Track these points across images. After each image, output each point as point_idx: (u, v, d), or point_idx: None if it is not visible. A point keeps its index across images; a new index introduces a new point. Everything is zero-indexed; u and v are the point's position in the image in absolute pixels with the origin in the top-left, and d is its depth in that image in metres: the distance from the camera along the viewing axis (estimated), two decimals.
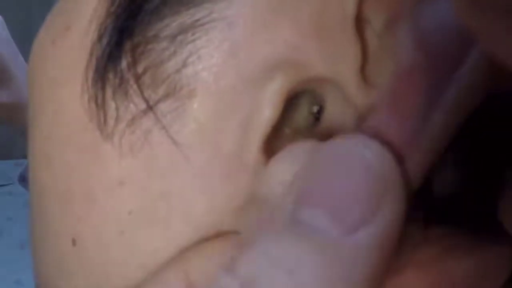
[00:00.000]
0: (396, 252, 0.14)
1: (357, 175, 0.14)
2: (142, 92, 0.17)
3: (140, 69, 0.17)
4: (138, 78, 0.17)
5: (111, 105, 0.18)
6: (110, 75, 0.18)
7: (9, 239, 1.31)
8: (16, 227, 1.32)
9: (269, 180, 0.16)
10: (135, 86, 0.17)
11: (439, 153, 0.15)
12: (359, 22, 0.16)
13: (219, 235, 0.17)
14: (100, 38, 0.18)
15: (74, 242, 0.19)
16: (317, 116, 0.17)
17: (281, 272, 0.13)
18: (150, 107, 0.17)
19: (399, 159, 0.14)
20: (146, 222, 0.17)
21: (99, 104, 0.18)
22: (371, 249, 0.14)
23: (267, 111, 0.16)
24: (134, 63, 0.17)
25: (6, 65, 0.71)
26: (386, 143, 0.14)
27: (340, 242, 0.13)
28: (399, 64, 0.15)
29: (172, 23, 0.17)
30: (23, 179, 0.77)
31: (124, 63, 0.17)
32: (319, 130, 0.17)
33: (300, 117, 0.17)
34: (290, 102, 0.17)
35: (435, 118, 0.15)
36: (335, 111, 0.17)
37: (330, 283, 0.13)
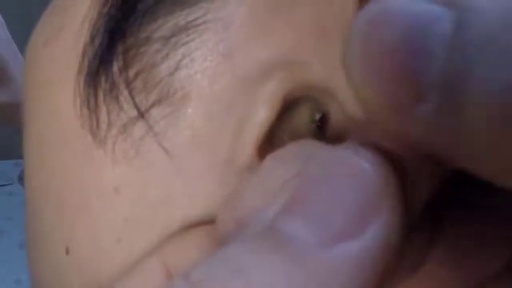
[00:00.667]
0: (391, 271, 0.13)
1: (346, 184, 0.13)
2: (133, 99, 0.17)
3: (131, 73, 0.17)
4: (129, 83, 0.17)
5: (103, 110, 0.17)
6: (102, 79, 0.17)
7: (9, 239, 1.31)
8: (16, 227, 1.32)
9: (258, 176, 0.15)
10: (126, 92, 0.17)
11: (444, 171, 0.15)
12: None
13: (198, 225, 0.16)
14: (92, 39, 0.17)
15: (67, 249, 0.18)
16: (319, 124, 0.16)
17: (238, 281, 0.12)
18: (141, 115, 0.17)
19: (400, 170, 0.13)
20: (143, 228, 0.17)
21: (91, 109, 0.17)
22: (351, 267, 0.12)
23: (262, 113, 0.16)
24: (125, 67, 0.17)
25: (6, 65, 0.71)
26: (384, 153, 0.13)
27: (314, 255, 0.12)
28: None
29: (165, 24, 0.16)
30: (23, 179, 0.76)
31: (115, 67, 0.17)
32: (321, 139, 0.16)
33: (300, 124, 0.17)
34: (289, 108, 0.16)
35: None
36: (338, 120, 0.16)
37: None
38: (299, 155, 0.14)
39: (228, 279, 0.12)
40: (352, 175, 0.13)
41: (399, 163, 0.13)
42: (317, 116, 0.16)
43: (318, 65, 0.16)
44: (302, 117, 0.17)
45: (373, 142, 0.14)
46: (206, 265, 0.13)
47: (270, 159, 0.15)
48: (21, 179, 0.74)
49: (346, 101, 0.16)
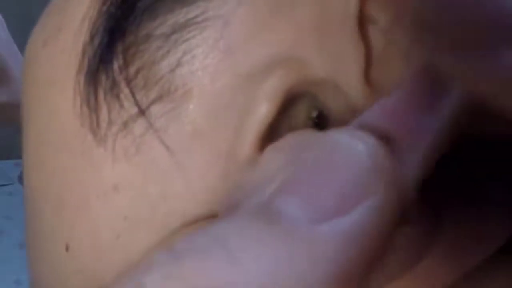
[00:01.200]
0: (381, 256, 0.13)
1: (339, 164, 0.13)
2: (134, 96, 0.17)
3: (132, 71, 0.17)
4: (129, 81, 0.17)
5: (104, 108, 0.17)
6: (102, 78, 0.17)
7: (9, 239, 1.31)
8: (16, 227, 1.32)
9: (257, 168, 0.15)
10: (126, 90, 0.17)
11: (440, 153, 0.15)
12: (363, 22, 0.16)
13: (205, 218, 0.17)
14: (92, 38, 0.17)
15: (67, 248, 0.18)
16: (316, 122, 0.16)
17: (220, 251, 0.12)
18: (142, 112, 0.17)
19: (396, 155, 0.13)
20: (143, 226, 0.17)
21: (92, 107, 0.17)
22: (339, 244, 0.12)
23: (263, 108, 0.16)
24: (125, 65, 0.17)
25: (6, 65, 0.71)
26: (381, 138, 0.13)
27: (303, 230, 0.12)
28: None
29: (165, 22, 0.16)
30: (23, 178, 0.76)
31: (115, 65, 0.17)
32: None
33: (298, 121, 0.17)
34: (289, 105, 0.16)
35: (438, 118, 0.14)
36: (337, 117, 0.16)
37: (277, 277, 0.12)
38: (296, 144, 0.14)
39: (211, 250, 0.12)
40: (345, 156, 0.13)
41: (394, 146, 0.13)
42: (314, 114, 0.17)
43: (319, 60, 0.16)
44: (300, 114, 0.17)
45: (370, 125, 0.14)
46: (190, 237, 0.13)
47: (269, 150, 0.15)
48: (21, 178, 0.74)
49: (351, 91, 0.16)
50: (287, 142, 0.15)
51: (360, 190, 0.13)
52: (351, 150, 0.13)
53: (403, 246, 0.14)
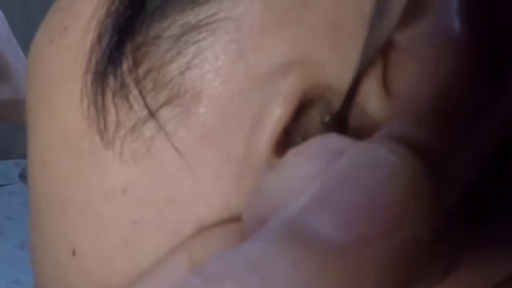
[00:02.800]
0: (422, 272, 0.13)
1: (377, 182, 0.12)
2: (143, 98, 0.16)
3: (141, 72, 0.16)
4: (139, 82, 0.16)
5: (112, 110, 0.17)
6: (110, 78, 0.17)
7: (9, 239, 1.31)
8: (16, 227, 1.32)
9: (281, 173, 0.15)
10: (135, 91, 0.17)
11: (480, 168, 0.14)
12: None
13: (226, 221, 0.16)
14: (100, 38, 0.17)
15: (74, 252, 0.18)
16: (329, 126, 0.16)
17: (253, 276, 0.12)
18: (152, 115, 0.16)
19: (431, 168, 0.13)
20: (152, 231, 0.17)
21: (99, 109, 0.17)
22: (378, 270, 0.12)
23: (277, 110, 0.16)
24: (135, 66, 0.16)
25: (6, 62, 0.70)
26: (414, 150, 0.13)
27: (340, 255, 0.12)
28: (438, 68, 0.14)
29: (175, 23, 0.16)
30: (24, 176, 0.77)
31: (124, 66, 0.17)
32: None
33: (311, 125, 0.16)
34: (303, 108, 0.16)
35: (483, 125, 0.14)
36: (351, 122, 0.16)
37: None
38: (324, 151, 0.14)
39: (243, 274, 0.12)
40: (385, 175, 0.12)
41: (430, 160, 0.13)
42: (327, 118, 0.16)
43: (333, 63, 0.16)
44: (314, 118, 0.16)
45: (401, 138, 0.13)
46: (221, 260, 0.12)
47: (293, 155, 0.15)
48: (22, 176, 0.74)
49: (365, 101, 0.15)
50: (313, 147, 0.14)
51: (399, 210, 0.12)
52: (391, 169, 0.12)
53: (437, 254, 0.14)
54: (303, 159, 0.14)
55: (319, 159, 0.14)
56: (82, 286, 0.18)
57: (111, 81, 0.17)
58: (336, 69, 0.16)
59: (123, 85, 0.17)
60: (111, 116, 0.17)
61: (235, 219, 0.16)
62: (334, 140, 0.14)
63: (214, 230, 0.16)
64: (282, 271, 0.12)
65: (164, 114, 0.16)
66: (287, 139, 0.16)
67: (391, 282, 0.12)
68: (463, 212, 0.15)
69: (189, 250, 0.15)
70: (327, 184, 0.13)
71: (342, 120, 0.16)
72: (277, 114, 0.16)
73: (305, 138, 0.16)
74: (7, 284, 1.20)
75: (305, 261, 0.12)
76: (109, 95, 0.17)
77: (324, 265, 0.12)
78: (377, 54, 0.15)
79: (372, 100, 0.15)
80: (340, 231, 0.12)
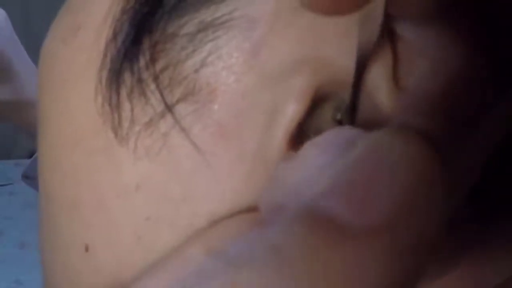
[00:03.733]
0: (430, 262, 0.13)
1: (395, 169, 0.13)
2: (161, 93, 0.17)
3: (158, 68, 0.17)
4: (156, 77, 0.17)
5: (126, 106, 0.17)
6: (126, 75, 0.17)
7: (9, 239, 1.30)
8: (16, 227, 1.31)
9: (296, 164, 0.15)
10: (153, 86, 0.17)
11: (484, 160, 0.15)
12: (388, 19, 0.16)
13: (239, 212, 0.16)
14: (115, 36, 0.17)
15: (87, 248, 0.18)
16: (341, 123, 0.16)
17: (273, 259, 0.12)
18: (169, 109, 0.17)
19: (444, 159, 0.13)
20: (166, 227, 0.17)
21: (113, 106, 0.17)
22: (394, 255, 0.12)
23: (292, 106, 0.16)
24: (152, 62, 0.17)
25: (9, 62, 0.70)
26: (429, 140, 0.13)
27: (357, 239, 0.12)
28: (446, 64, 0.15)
29: (191, 21, 0.16)
30: (27, 177, 0.76)
31: (142, 62, 0.17)
32: None
33: (324, 123, 0.17)
34: (316, 106, 0.16)
35: (484, 125, 0.14)
36: (362, 117, 0.16)
37: (330, 283, 0.12)
38: (339, 142, 0.14)
39: (264, 257, 0.12)
40: (399, 159, 0.13)
41: (442, 151, 0.13)
42: (338, 116, 0.16)
43: (345, 59, 0.16)
44: (326, 115, 0.17)
45: (414, 128, 0.14)
46: (242, 243, 0.13)
47: (309, 146, 0.15)
48: (25, 177, 0.73)
49: (375, 94, 0.16)
50: (328, 139, 0.15)
51: (413, 197, 0.12)
52: (403, 152, 0.13)
53: (442, 248, 0.14)
54: (318, 149, 0.15)
55: (333, 149, 0.14)
56: (94, 283, 0.18)
57: (127, 77, 0.17)
58: (348, 65, 0.16)
59: (140, 81, 0.17)
60: (126, 113, 0.17)
61: (247, 210, 0.16)
62: (348, 132, 0.15)
63: (231, 220, 0.16)
64: (302, 254, 0.12)
65: (180, 110, 0.17)
66: (300, 136, 0.16)
67: (404, 268, 0.12)
68: (465, 210, 0.15)
69: (206, 240, 0.16)
70: (343, 170, 0.13)
71: (353, 117, 0.16)
72: (291, 111, 0.16)
73: (317, 134, 0.16)
74: (7, 284, 1.20)
75: (324, 245, 0.12)
76: (124, 92, 0.17)
77: (340, 248, 0.12)
78: (376, 46, 0.15)
79: (382, 93, 0.16)
80: (357, 216, 0.12)
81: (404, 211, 0.12)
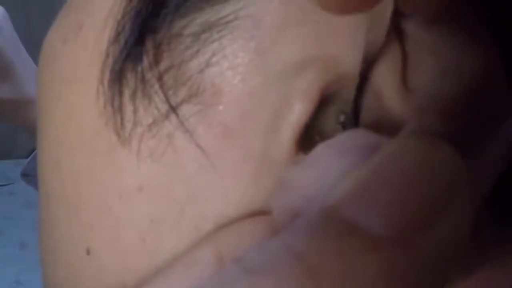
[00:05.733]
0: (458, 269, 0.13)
1: (419, 175, 0.12)
2: (165, 94, 0.16)
3: (162, 68, 0.17)
4: (160, 78, 0.16)
5: (129, 107, 0.17)
6: (128, 76, 0.17)
7: (9, 239, 1.30)
8: (16, 227, 1.31)
9: (308, 167, 0.15)
10: (156, 87, 0.17)
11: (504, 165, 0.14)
12: (397, 21, 0.15)
13: (251, 215, 0.16)
14: (117, 36, 0.17)
15: (88, 251, 0.18)
16: (344, 126, 0.16)
17: (297, 265, 0.12)
18: (173, 109, 0.16)
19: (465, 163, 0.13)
20: (171, 229, 0.17)
21: (116, 107, 0.17)
22: (420, 263, 0.12)
23: (299, 106, 0.16)
24: (156, 63, 0.17)
25: (9, 60, 0.70)
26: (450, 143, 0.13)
27: (384, 248, 0.12)
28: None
29: (195, 21, 0.16)
30: (26, 175, 0.76)
31: (145, 62, 0.17)
32: None
33: (328, 125, 0.16)
34: (321, 107, 0.16)
35: (502, 126, 0.14)
36: (368, 120, 0.16)
37: None
38: (355, 146, 0.14)
39: (288, 264, 0.12)
40: (423, 165, 0.12)
41: (463, 153, 0.13)
42: (342, 118, 0.16)
43: (352, 59, 0.16)
44: (330, 117, 0.16)
45: (434, 132, 0.13)
46: (260, 249, 0.12)
47: (322, 148, 0.15)
48: (24, 175, 0.73)
49: (386, 93, 0.16)
50: (343, 142, 0.14)
51: (441, 203, 0.12)
52: (429, 158, 0.13)
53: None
54: (333, 153, 0.14)
55: (350, 154, 0.14)
56: (96, 285, 0.18)
57: (129, 78, 0.17)
58: (356, 64, 0.16)
59: (143, 81, 0.17)
60: (128, 114, 0.17)
61: (256, 214, 0.16)
62: (364, 136, 0.14)
63: (240, 224, 0.16)
64: (328, 263, 0.12)
65: (184, 111, 0.16)
66: (305, 137, 0.16)
67: (431, 278, 0.12)
68: (483, 215, 0.15)
69: (215, 244, 0.15)
70: (368, 177, 0.13)
71: (357, 118, 0.16)
72: (299, 111, 0.16)
73: (321, 136, 0.16)
74: (7, 284, 1.20)
75: (351, 254, 0.12)
76: (126, 93, 0.17)
77: (369, 257, 0.12)
78: (384, 47, 0.15)
79: (390, 94, 0.16)
80: (384, 225, 0.12)
81: (433, 220, 0.12)
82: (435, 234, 0.12)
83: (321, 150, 0.15)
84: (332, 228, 0.12)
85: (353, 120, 0.16)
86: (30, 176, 0.72)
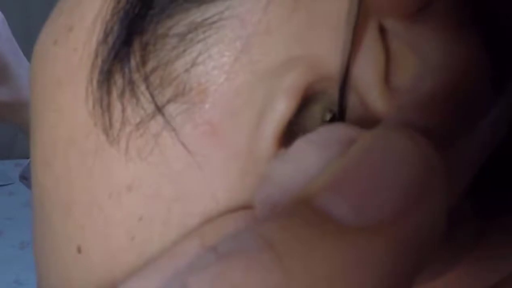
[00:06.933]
0: (430, 262, 0.13)
1: (393, 166, 0.12)
2: (151, 94, 0.17)
3: (148, 69, 0.17)
4: (146, 78, 0.17)
5: (117, 107, 0.17)
6: (117, 76, 0.17)
7: (9, 239, 1.31)
8: (16, 227, 1.32)
9: (288, 160, 0.15)
10: (143, 87, 0.17)
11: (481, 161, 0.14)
12: (380, 20, 0.16)
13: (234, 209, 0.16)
14: (106, 37, 0.17)
15: (79, 249, 0.18)
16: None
17: (266, 253, 0.12)
18: (159, 109, 0.17)
19: (443, 156, 0.13)
20: (159, 227, 0.17)
21: (104, 107, 0.17)
22: (390, 253, 0.12)
23: (282, 104, 0.16)
24: (143, 63, 0.17)
25: (7, 63, 0.70)
26: (426, 135, 0.13)
27: (355, 236, 0.12)
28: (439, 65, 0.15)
29: (182, 21, 0.16)
30: (24, 178, 0.76)
31: (132, 63, 0.17)
32: None
33: (313, 123, 0.17)
34: (306, 105, 0.16)
35: (484, 122, 0.14)
36: (351, 118, 0.16)
37: (327, 280, 0.12)
38: (335, 139, 0.14)
39: (257, 251, 0.12)
40: (397, 156, 0.13)
41: (439, 147, 0.13)
42: (328, 117, 0.16)
43: (336, 59, 0.16)
44: (315, 115, 0.17)
45: (411, 126, 0.13)
46: (234, 238, 0.12)
47: (302, 142, 0.15)
48: (23, 178, 0.74)
49: (369, 91, 0.16)
50: (322, 135, 0.15)
51: (413, 195, 0.12)
52: (403, 150, 0.13)
53: (441, 251, 0.14)
54: (312, 147, 0.14)
55: (329, 147, 0.14)
56: (87, 284, 0.18)
57: (117, 78, 0.17)
58: (338, 61, 0.16)
59: (130, 82, 0.17)
60: (117, 114, 0.17)
61: (241, 208, 0.16)
62: (343, 130, 0.15)
63: (226, 217, 0.16)
64: (297, 250, 0.12)
65: (171, 110, 0.17)
66: (289, 135, 0.16)
67: (402, 267, 0.12)
68: (464, 207, 0.15)
69: (202, 236, 0.16)
70: (342, 168, 0.13)
71: (341, 116, 0.16)
72: (281, 109, 0.16)
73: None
74: (7, 284, 1.20)
75: (320, 242, 0.12)
76: (114, 93, 0.17)
77: (339, 245, 0.12)
78: (355, 44, 0.15)
79: (373, 92, 0.16)
80: (356, 213, 0.12)
81: (404, 209, 0.12)
82: (408, 224, 0.12)
83: (301, 144, 0.15)
84: (303, 216, 0.12)
85: (338, 119, 0.16)
86: (29, 179, 0.73)
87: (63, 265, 0.19)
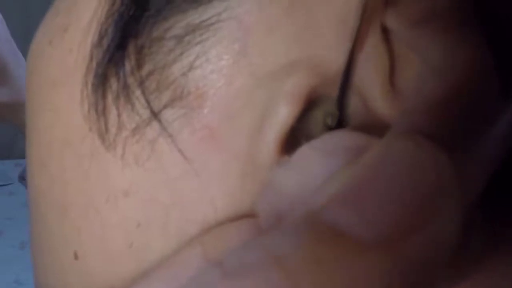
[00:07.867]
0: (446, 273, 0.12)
1: (406, 178, 0.12)
2: (146, 99, 0.16)
3: (144, 73, 0.16)
4: (142, 83, 0.16)
5: (113, 112, 0.17)
6: (112, 80, 0.17)
7: (9, 239, 1.31)
8: (16, 227, 1.32)
9: (292, 169, 0.15)
10: (138, 92, 0.16)
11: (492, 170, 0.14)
12: (384, 21, 0.15)
13: (238, 217, 0.16)
14: (101, 39, 0.17)
15: (76, 256, 0.18)
16: (331, 129, 0.16)
17: (275, 269, 0.11)
18: (155, 115, 0.16)
19: (456, 164, 0.13)
20: (157, 233, 0.17)
21: (100, 112, 0.17)
22: (405, 268, 0.12)
23: (284, 109, 0.15)
24: (138, 67, 0.16)
25: (6, 64, 0.70)
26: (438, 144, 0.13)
27: (368, 252, 0.11)
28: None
29: (178, 23, 0.16)
30: (23, 178, 0.76)
31: (127, 67, 0.16)
32: None
33: (314, 127, 0.16)
34: (308, 110, 0.16)
35: (495, 127, 0.14)
36: (356, 121, 0.16)
37: None
38: (341, 146, 0.14)
39: (266, 267, 0.12)
40: (409, 168, 0.12)
41: (453, 157, 0.13)
42: (330, 121, 0.16)
43: (339, 62, 0.15)
44: (317, 120, 0.16)
45: (422, 130, 0.13)
46: (240, 253, 0.12)
47: (307, 150, 0.15)
48: (22, 178, 0.74)
49: (373, 95, 0.15)
50: (327, 143, 0.14)
51: (428, 207, 0.12)
52: (415, 161, 0.12)
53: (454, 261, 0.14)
54: (317, 154, 0.14)
55: (334, 155, 0.14)
56: None
57: (112, 82, 0.17)
58: (341, 68, 0.15)
59: (125, 86, 0.17)
60: (112, 119, 0.17)
61: (243, 216, 0.16)
62: (348, 136, 0.14)
63: (228, 225, 0.16)
64: (308, 266, 0.11)
65: (167, 115, 0.16)
66: (292, 140, 0.16)
67: (418, 280, 0.12)
68: (475, 217, 0.15)
69: (203, 245, 0.15)
70: (352, 178, 0.12)
71: (342, 120, 0.16)
72: (284, 113, 0.15)
73: (308, 139, 0.16)
74: (7, 284, 1.20)
75: (332, 258, 0.12)
76: (109, 98, 0.17)
77: (351, 262, 0.11)
78: (358, 45, 0.15)
79: (376, 96, 0.15)
80: (368, 228, 0.12)
81: (420, 222, 0.12)
82: (423, 237, 0.12)
83: (305, 151, 0.14)
84: (313, 232, 0.12)
85: (340, 122, 0.16)
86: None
87: (59, 267, 0.19)
